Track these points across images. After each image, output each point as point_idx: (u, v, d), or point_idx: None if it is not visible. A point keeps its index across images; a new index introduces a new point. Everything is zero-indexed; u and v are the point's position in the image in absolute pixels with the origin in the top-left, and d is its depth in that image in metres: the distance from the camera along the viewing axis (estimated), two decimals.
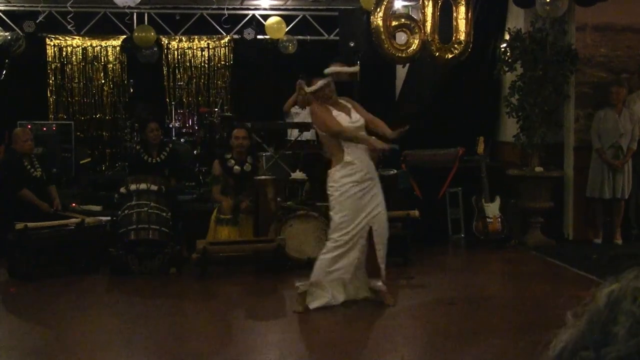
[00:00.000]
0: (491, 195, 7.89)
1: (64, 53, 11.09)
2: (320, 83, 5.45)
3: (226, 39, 11.36)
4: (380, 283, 5.48)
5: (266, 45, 11.16)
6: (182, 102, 11.22)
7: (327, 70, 5.70)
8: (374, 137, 5.47)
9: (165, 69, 11.36)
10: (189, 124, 10.39)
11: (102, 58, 11.18)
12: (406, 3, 10.17)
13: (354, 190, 5.27)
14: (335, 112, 5.40)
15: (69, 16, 10.45)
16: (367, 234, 5.35)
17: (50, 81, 11.07)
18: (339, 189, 5.29)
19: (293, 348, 4.79)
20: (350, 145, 5.30)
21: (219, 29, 11.12)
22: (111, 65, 11.21)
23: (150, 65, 11.02)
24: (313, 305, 5.32)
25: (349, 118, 5.41)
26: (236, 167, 7.09)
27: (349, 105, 5.51)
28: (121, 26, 10.88)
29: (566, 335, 0.77)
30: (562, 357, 0.76)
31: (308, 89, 5.59)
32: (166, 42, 11.27)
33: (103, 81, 11.21)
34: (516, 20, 8.44)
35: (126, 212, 6.69)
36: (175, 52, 11.38)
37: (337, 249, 5.29)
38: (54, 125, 9.97)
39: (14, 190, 6.86)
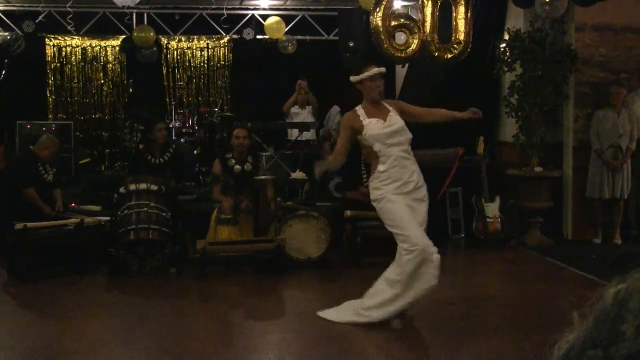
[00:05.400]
0: (491, 195, 7.89)
1: (64, 53, 11.09)
2: (366, 73, 4.92)
3: (225, 39, 11.36)
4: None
5: (265, 45, 11.17)
6: (181, 102, 11.22)
7: (354, 78, 4.98)
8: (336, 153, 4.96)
9: (164, 69, 11.36)
10: (188, 123, 10.39)
11: (102, 58, 11.18)
12: (405, 3, 10.17)
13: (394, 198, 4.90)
14: (366, 121, 4.90)
15: (69, 16, 10.47)
16: None
17: (50, 81, 11.07)
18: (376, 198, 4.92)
19: (293, 348, 4.78)
20: (385, 154, 4.87)
21: (219, 29, 11.13)
22: (110, 65, 11.21)
23: (150, 65, 11.03)
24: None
25: (383, 123, 4.90)
26: (237, 166, 7.09)
27: (391, 109, 4.99)
28: (120, 26, 10.89)
29: (573, 335, 0.78)
30: (568, 357, 0.76)
31: (353, 78, 4.97)
32: (165, 42, 11.28)
33: (102, 81, 11.21)
34: (515, 20, 8.44)
35: (125, 212, 6.69)
36: (175, 52, 11.38)
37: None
38: (53, 125, 9.98)
39: (21, 187, 6.86)
